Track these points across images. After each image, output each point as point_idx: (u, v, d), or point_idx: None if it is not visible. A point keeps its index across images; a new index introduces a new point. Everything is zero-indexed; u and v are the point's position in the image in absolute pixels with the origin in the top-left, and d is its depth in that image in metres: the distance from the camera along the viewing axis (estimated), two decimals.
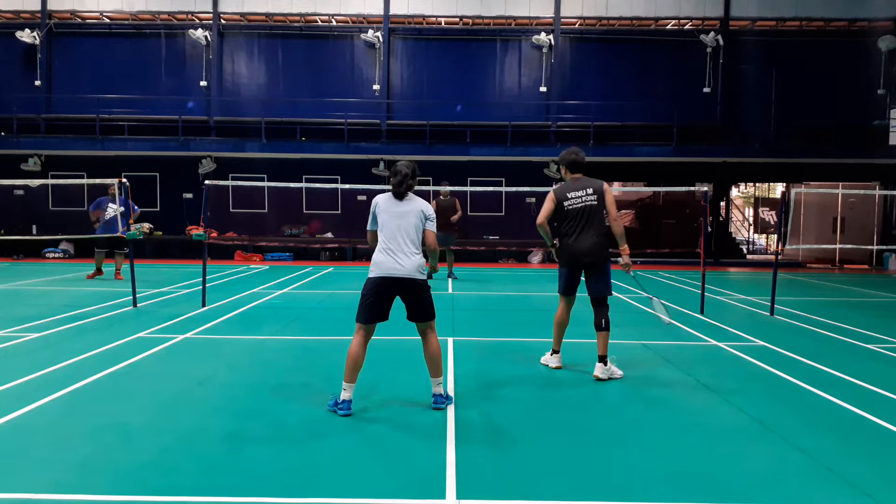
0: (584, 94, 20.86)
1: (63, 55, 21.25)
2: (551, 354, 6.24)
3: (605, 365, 5.74)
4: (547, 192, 6.14)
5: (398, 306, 4.88)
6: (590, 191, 5.78)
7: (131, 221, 10.54)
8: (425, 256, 4.85)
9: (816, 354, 6.89)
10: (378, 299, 4.71)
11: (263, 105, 20.73)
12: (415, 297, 4.75)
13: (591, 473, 3.74)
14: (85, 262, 17.74)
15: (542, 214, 5.85)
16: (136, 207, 12.33)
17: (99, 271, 13.18)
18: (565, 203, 5.81)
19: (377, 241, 4.81)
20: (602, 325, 5.77)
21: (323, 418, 4.61)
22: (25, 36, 20.39)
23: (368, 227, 4.89)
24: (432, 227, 4.85)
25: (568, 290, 6.00)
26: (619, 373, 5.83)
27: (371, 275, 4.76)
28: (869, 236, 20.92)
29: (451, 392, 5.17)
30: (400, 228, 4.72)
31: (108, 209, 12.57)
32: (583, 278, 5.96)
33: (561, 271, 6.00)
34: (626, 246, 5.84)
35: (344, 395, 4.67)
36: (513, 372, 6.04)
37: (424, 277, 4.78)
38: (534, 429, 4.48)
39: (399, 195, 4.82)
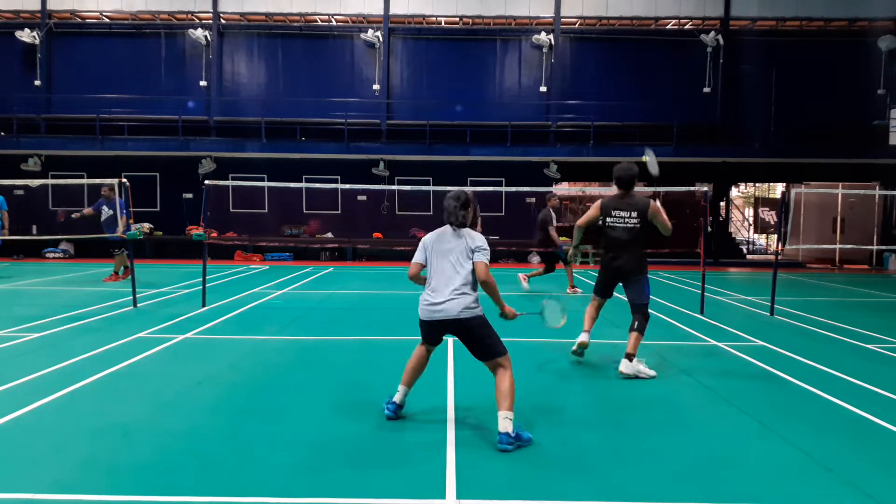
0: (584, 94, 20.86)
1: (63, 55, 21.26)
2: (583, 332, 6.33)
3: (631, 362, 5.87)
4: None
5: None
6: (634, 214, 6.00)
7: (131, 221, 10.52)
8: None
9: (816, 354, 6.89)
10: (429, 334, 4.53)
11: (263, 105, 20.74)
12: (470, 336, 4.32)
13: (591, 473, 3.74)
14: (85, 262, 17.74)
15: (584, 219, 6.25)
16: (124, 211, 11.63)
17: (124, 271, 13.00)
18: (608, 219, 6.10)
19: (416, 273, 4.49)
20: (635, 326, 5.99)
21: (322, 418, 4.61)
22: (25, 36, 20.39)
23: (414, 259, 4.51)
24: (481, 257, 4.28)
25: (602, 293, 6.34)
26: (650, 372, 5.89)
27: (420, 316, 4.46)
28: (869, 236, 20.92)
29: (450, 390, 5.15)
30: (443, 268, 4.34)
31: (103, 211, 12.57)
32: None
33: (599, 276, 6.33)
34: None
35: (396, 397, 4.61)
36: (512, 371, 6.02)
37: (473, 315, 4.27)
38: (533, 427, 4.48)
39: (447, 230, 4.44)
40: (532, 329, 8.43)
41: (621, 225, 6.02)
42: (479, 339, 4.30)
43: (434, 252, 4.41)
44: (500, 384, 4.21)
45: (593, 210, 6.17)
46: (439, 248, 4.40)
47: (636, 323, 5.98)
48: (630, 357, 5.88)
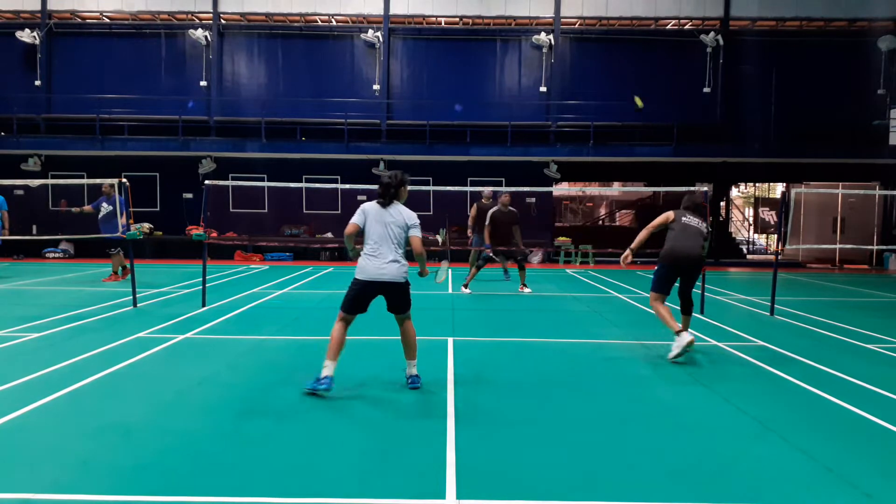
0: (584, 94, 20.86)
1: (63, 55, 21.26)
2: (678, 335, 6.48)
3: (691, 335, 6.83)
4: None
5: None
6: (704, 225, 6.88)
7: (131, 221, 10.51)
8: (409, 258, 5.25)
9: (816, 354, 6.89)
10: (362, 297, 5.28)
11: (263, 105, 20.74)
12: (396, 295, 5.29)
13: (591, 472, 3.74)
14: (85, 262, 17.75)
15: (651, 225, 6.91)
16: (124, 210, 11.17)
17: (123, 271, 12.88)
18: (682, 219, 6.82)
19: (354, 236, 5.27)
20: (689, 310, 6.99)
21: (323, 418, 4.61)
22: (25, 36, 20.40)
23: (353, 220, 5.26)
24: (416, 232, 5.28)
25: (665, 289, 6.77)
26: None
27: (358, 276, 5.25)
28: (869, 236, 20.92)
29: (450, 390, 5.18)
30: (386, 236, 5.20)
31: (102, 208, 12.57)
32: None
33: (661, 271, 6.78)
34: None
35: (325, 372, 4.99)
36: (513, 372, 6.03)
37: (405, 280, 5.26)
38: (533, 428, 4.48)
39: (383, 204, 5.28)
40: (539, 330, 8.44)
41: (696, 226, 6.76)
42: (403, 297, 5.30)
43: (375, 220, 5.24)
44: (409, 333, 5.35)
45: (668, 214, 6.86)
46: (379, 217, 5.24)
47: (690, 307, 6.99)
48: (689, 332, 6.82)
